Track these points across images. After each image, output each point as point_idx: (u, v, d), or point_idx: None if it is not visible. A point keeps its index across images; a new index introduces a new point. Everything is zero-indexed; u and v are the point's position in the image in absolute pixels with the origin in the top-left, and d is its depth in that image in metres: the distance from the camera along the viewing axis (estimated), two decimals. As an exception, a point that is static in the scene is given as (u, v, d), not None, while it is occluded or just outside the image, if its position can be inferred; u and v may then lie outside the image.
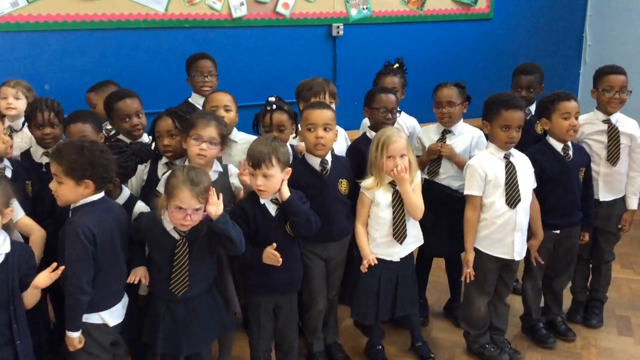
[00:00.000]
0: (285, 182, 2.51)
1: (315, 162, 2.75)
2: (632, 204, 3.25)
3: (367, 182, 2.78)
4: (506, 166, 2.78)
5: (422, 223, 2.89)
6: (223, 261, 2.64)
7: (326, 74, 4.77)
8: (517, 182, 2.77)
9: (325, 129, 2.70)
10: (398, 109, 3.23)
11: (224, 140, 2.63)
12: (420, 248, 3.06)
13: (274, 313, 2.69)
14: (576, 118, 2.92)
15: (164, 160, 2.77)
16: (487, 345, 3.02)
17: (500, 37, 5.43)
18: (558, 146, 2.97)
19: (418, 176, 2.85)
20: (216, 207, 2.30)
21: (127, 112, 2.91)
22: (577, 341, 3.20)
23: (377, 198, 2.77)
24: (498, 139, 2.77)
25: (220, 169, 2.66)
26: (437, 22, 5.16)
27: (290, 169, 2.53)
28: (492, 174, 2.76)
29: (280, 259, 2.46)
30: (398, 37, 5.03)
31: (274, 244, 2.46)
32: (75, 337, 2.24)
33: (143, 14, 4.13)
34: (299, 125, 2.89)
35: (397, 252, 2.82)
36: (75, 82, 3.90)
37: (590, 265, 3.38)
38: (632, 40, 5.44)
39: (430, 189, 3.03)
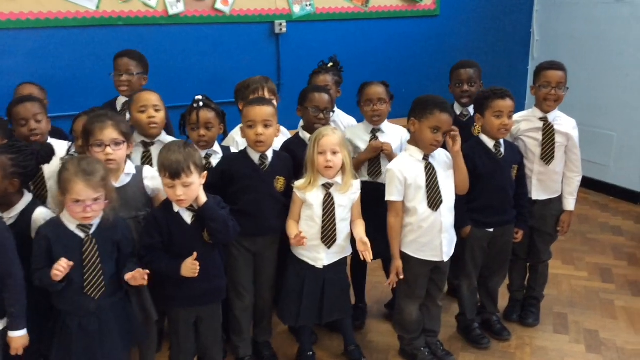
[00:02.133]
0: (202, 187, 2.42)
1: (255, 156, 2.73)
2: (568, 205, 3.20)
3: (299, 182, 2.73)
4: (425, 168, 2.71)
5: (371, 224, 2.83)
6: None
7: (270, 72, 4.71)
8: (437, 183, 2.70)
9: (265, 126, 2.65)
10: (333, 110, 3.16)
11: (128, 138, 2.52)
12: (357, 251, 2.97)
13: (195, 326, 2.59)
14: (509, 117, 2.86)
15: None
16: (422, 349, 2.96)
17: (447, 33, 5.40)
18: (490, 143, 2.92)
19: (359, 187, 2.78)
20: (135, 281, 2.28)
21: (25, 116, 2.75)
22: (512, 340, 3.16)
23: (308, 199, 2.71)
24: (424, 139, 2.69)
25: (134, 171, 2.55)
26: (383, 19, 5.12)
27: (206, 172, 2.45)
28: (412, 178, 2.69)
29: (198, 268, 2.36)
30: (343, 34, 4.98)
31: (195, 254, 2.37)
32: (25, 335, 2.20)
33: (73, 12, 4.01)
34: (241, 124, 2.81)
35: (320, 259, 2.75)
36: (2, 84, 3.75)
37: (528, 264, 3.35)
38: (578, 35, 5.46)
39: (373, 190, 2.94)
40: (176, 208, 2.42)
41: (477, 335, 3.12)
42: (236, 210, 2.60)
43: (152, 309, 2.54)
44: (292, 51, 4.82)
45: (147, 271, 2.27)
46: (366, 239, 2.66)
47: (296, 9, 4.76)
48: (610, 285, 3.76)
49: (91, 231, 2.24)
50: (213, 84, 4.43)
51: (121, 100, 3.36)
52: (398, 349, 3.07)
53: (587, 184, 5.29)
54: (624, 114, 5.15)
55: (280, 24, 4.70)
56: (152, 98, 2.87)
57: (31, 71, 3.94)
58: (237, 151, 2.89)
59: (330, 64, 3.61)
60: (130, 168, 2.55)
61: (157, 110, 2.85)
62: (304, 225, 2.74)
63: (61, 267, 2.12)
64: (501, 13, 5.66)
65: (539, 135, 3.07)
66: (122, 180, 2.50)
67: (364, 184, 2.93)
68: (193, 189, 2.35)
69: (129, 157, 2.60)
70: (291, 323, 2.87)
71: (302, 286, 2.76)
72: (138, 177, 2.55)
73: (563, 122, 3.11)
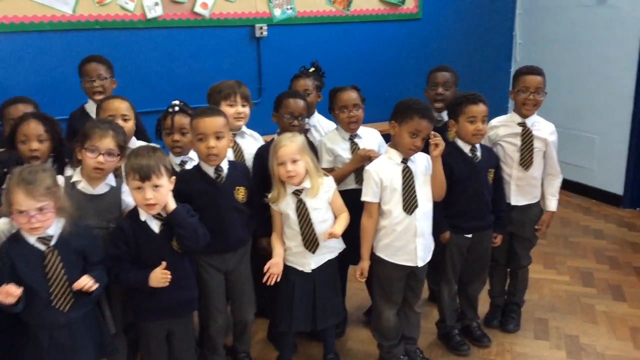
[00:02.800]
0: (171, 194, 2.38)
1: (209, 169, 2.63)
2: (551, 206, 3.18)
3: (270, 195, 2.69)
4: (403, 171, 2.69)
5: (352, 230, 2.78)
6: None
7: (251, 76, 4.69)
8: (414, 187, 2.68)
9: (217, 138, 2.56)
10: (309, 115, 3.12)
11: (123, 151, 2.47)
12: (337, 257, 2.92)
13: (167, 339, 2.53)
14: (483, 122, 2.84)
15: None
16: (401, 357, 2.93)
17: (430, 37, 5.40)
18: (466, 148, 2.91)
19: (331, 184, 2.74)
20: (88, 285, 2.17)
21: (14, 116, 2.74)
22: (492, 347, 3.13)
23: (282, 209, 2.68)
24: (403, 143, 2.67)
25: (113, 184, 2.50)
26: (365, 23, 5.10)
27: (174, 177, 2.41)
28: (388, 180, 2.67)
29: (169, 277, 2.32)
30: (324, 38, 4.95)
31: (164, 263, 2.32)
32: None
33: (49, 16, 3.95)
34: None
35: (308, 263, 2.71)
36: (-24, 89, 3.70)
37: (508, 270, 3.33)
38: (560, 38, 5.48)
39: (360, 197, 2.87)
40: (143, 216, 2.36)
41: (457, 342, 3.09)
42: None
43: (110, 322, 2.48)
44: (273, 55, 4.78)
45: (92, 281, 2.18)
46: (336, 231, 2.63)
47: (277, 13, 4.72)
48: (592, 289, 3.75)
49: (52, 242, 2.18)
50: (193, 89, 4.36)
51: (94, 107, 3.29)
52: (377, 357, 3.04)
53: (570, 187, 5.32)
54: (606, 117, 5.16)
55: (261, 28, 4.66)
56: (121, 107, 2.80)
57: (5, 76, 3.88)
58: (190, 167, 2.79)
59: (312, 69, 3.58)
60: (110, 179, 2.50)
61: (125, 120, 2.78)
62: (288, 235, 2.71)
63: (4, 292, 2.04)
64: (483, 16, 5.66)
65: (518, 141, 3.05)
66: (101, 189, 2.46)
67: (351, 192, 2.91)
68: (162, 192, 2.31)
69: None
70: (284, 329, 2.80)
71: (293, 292, 2.72)
72: (117, 190, 2.51)
73: (542, 127, 3.09)
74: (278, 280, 2.65)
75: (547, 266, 4.07)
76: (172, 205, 2.35)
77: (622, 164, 5.08)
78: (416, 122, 2.63)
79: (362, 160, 2.94)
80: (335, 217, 2.74)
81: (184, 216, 2.36)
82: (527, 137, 3.05)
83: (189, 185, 2.58)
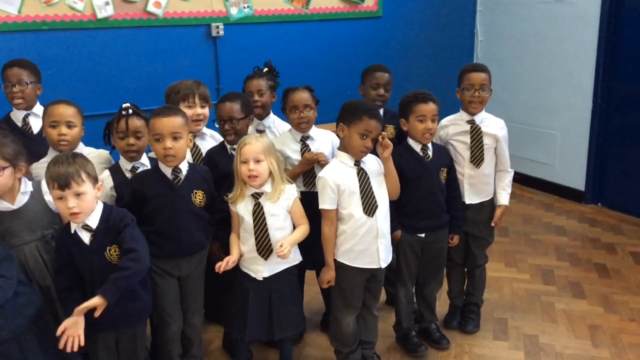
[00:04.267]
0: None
1: (167, 170, 2.55)
2: (502, 200, 3.13)
3: (231, 194, 2.61)
4: (358, 173, 2.63)
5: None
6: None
7: (208, 76, 4.59)
8: (371, 188, 2.62)
9: (174, 138, 2.49)
10: (262, 117, 3.05)
11: (15, 162, 2.30)
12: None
13: (116, 348, 2.43)
14: (433, 121, 2.81)
15: None
16: (358, 363, 2.88)
17: (390, 35, 5.35)
18: (417, 147, 2.87)
19: (293, 192, 2.65)
20: None
21: None
22: (451, 349, 3.09)
23: (239, 211, 2.59)
24: (353, 145, 2.61)
25: (31, 189, 2.38)
26: (324, 21, 5.02)
27: (101, 184, 2.32)
28: (345, 184, 2.60)
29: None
30: (283, 37, 4.87)
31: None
32: None
33: (-7, 17, 3.80)
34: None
35: (260, 271, 2.62)
36: None
37: (465, 269, 3.29)
38: (521, 34, 5.48)
39: (310, 200, 2.80)
40: (73, 228, 2.26)
41: (414, 344, 3.05)
42: (152, 231, 2.47)
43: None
44: (231, 55, 4.69)
45: None
46: (285, 243, 2.52)
47: (233, 11, 4.62)
48: (552, 287, 3.74)
49: None
50: (147, 91, 4.28)
51: (19, 114, 3.16)
52: (334, 363, 2.98)
53: (532, 183, 5.32)
54: (567, 113, 5.16)
55: (217, 27, 4.56)
56: (66, 113, 2.68)
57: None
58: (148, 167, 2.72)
59: (266, 69, 3.50)
60: (26, 186, 2.37)
61: (70, 127, 2.67)
62: (242, 239, 2.63)
63: None
64: (444, 13, 5.63)
65: (467, 139, 3.02)
66: (20, 200, 2.34)
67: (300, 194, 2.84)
68: (86, 199, 2.21)
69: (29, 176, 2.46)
70: (240, 335, 2.71)
71: (247, 299, 2.64)
72: (37, 193, 2.38)
73: (490, 124, 3.07)
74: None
75: (508, 264, 4.05)
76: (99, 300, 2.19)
77: (584, 159, 5.08)
78: (366, 122, 2.57)
79: (309, 163, 2.88)
80: (294, 227, 2.67)
81: (118, 288, 2.20)
82: (476, 134, 3.02)
83: (145, 185, 2.53)
